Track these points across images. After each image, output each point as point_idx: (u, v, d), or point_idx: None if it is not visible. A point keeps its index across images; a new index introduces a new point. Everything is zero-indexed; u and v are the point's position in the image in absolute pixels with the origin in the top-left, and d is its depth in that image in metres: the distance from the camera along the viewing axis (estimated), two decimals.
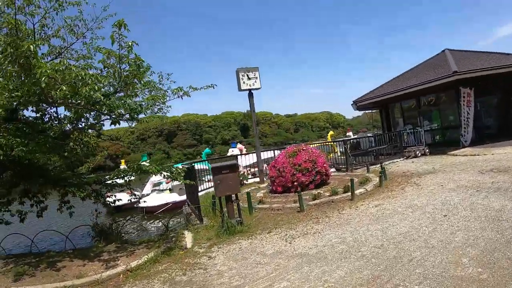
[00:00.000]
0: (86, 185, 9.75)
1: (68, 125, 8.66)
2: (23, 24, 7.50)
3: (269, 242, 7.68)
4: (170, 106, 9.54)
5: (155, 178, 21.72)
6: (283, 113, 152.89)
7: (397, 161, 17.81)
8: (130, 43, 7.35)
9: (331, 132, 36.74)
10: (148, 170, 9.71)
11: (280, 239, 7.75)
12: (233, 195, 9.42)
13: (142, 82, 8.04)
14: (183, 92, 8.87)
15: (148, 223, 20.65)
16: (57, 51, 8.89)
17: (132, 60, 7.53)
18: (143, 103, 8.48)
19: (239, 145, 28.98)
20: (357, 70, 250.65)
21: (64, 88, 6.36)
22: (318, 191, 11.49)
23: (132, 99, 8.09)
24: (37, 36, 8.32)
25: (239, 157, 22.14)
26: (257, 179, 17.20)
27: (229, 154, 25.38)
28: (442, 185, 10.30)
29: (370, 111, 30.20)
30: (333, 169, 17.36)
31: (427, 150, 18.58)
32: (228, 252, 7.46)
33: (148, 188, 27.94)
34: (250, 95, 15.32)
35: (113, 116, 8.22)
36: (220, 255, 7.38)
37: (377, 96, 22.53)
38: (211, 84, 9.13)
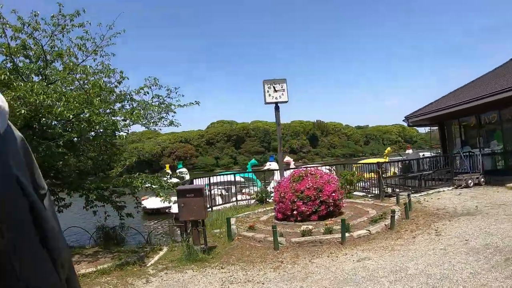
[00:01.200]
0: (93, 190, 10.58)
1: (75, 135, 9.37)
2: (36, 45, 9.35)
3: (207, 281, 6.88)
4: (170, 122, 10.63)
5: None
6: (354, 124, 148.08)
7: (443, 191, 14.79)
8: (82, 68, 8.88)
9: (388, 149, 33.44)
10: (132, 184, 10.24)
11: (221, 280, 6.82)
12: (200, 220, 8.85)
13: (98, 100, 8.46)
14: (168, 109, 10.21)
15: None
16: (69, 68, 9.44)
17: (91, 83, 8.71)
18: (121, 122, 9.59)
19: (287, 158, 27.15)
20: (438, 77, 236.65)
21: (23, 111, 7.29)
22: (309, 226, 9.03)
23: (110, 117, 9.03)
24: (48, 56, 9.60)
25: (277, 172, 20.20)
26: None
27: (265, 168, 23.11)
28: (466, 240, 7.34)
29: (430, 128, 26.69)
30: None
31: (482, 180, 15.26)
32: (166, 281, 7.06)
33: None
34: (277, 108, 13.95)
35: (99, 131, 9.63)
36: (157, 282, 7.07)
37: (430, 111, 19.25)
38: (196, 101, 10.60)
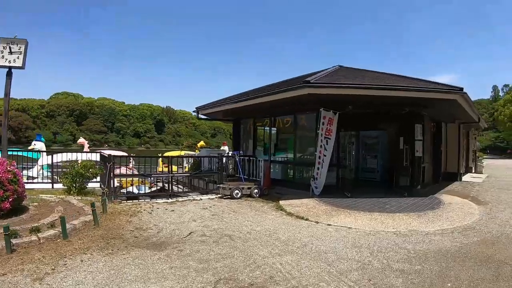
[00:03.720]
0: None
1: None
2: None
3: None
4: None
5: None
6: None
7: (199, 199, 11.68)
8: None
9: (201, 143, 30.04)
10: None
11: None
12: None
13: None
14: None
15: None
16: None
17: None
18: None
19: (81, 139, 21.83)
20: None
21: None
22: None
23: None
24: None
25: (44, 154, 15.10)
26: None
27: (30, 148, 17.84)
28: None
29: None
30: None
31: (256, 191, 12.10)
32: None
33: None
34: (9, 73, 10.73)
35: None
36: None
37: (218, 104, 15.86)
38: None
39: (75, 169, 11.26)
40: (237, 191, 11.80)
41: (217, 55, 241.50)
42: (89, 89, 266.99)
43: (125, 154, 17.46)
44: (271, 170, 14.69)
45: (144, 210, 9.49)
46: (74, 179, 11.19)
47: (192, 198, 11.76)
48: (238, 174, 13.84)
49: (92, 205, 7.67)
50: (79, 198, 10.26)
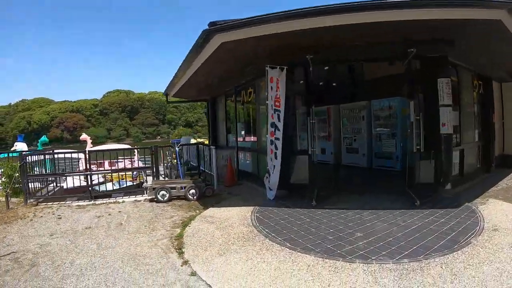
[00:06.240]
0: None
1: None
2: None
3: None
4: None
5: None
6: None
7: (120, 203, 8.69)
8: None
9: None
10: None
11: None
12: None
13: None
14: None
15: None
16: None
17: None
18: None
19: (83, 135, 20.01)
20: None
21: None
22: None
23: None
24: None
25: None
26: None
27: (13, 149, 16.73)
28: None
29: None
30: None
31: (193, 191, 8.70)
32: None
33: None
34: None
35: None
36: None
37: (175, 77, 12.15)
38: None
39: (4, 169, 10.23)
40: (163, 192, 8.53)
41: None
42: (140, 85, 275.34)
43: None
44: (242, 160, 11.16)
45: (33, 215, 7.64)
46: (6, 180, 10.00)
47: (115, 200, 8.94)
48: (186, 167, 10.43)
49: None
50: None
